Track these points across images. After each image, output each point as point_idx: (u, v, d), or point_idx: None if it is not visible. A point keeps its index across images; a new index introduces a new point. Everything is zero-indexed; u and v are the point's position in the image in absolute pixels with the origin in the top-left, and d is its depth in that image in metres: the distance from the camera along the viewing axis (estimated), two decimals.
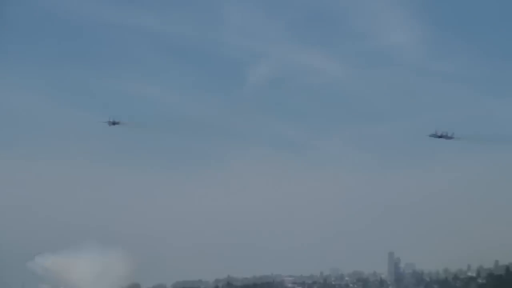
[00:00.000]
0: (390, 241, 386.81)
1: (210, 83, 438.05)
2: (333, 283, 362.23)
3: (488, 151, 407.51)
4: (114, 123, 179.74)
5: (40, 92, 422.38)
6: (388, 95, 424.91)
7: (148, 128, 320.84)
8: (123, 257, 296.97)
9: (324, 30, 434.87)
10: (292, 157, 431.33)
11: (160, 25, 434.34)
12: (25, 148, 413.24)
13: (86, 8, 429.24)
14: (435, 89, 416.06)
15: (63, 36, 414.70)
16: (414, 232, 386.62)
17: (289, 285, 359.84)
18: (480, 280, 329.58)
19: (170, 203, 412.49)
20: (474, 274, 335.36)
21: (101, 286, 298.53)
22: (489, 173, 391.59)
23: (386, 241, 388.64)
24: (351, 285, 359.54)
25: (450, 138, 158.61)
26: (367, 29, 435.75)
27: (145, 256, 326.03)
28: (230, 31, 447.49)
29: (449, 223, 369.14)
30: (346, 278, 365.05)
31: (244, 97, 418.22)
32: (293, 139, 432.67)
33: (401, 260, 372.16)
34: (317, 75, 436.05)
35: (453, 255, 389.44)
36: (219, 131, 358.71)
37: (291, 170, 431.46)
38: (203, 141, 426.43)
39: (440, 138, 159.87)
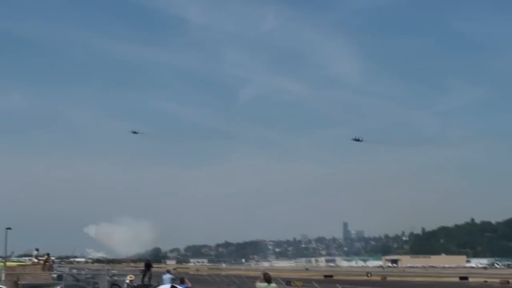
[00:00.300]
0: (345, 214, 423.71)
1: (213, 101, 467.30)
2: (303, 245, 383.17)
3: (395, 150, 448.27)
4: (134, 132, 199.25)
5: (97, 108, 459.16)
6: (337, 108, 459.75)
7: (161, 135, 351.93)
8: (149, 228, 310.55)
9: (293, 63, 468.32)
10: (272, 153, 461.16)
11: (180, 61, 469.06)
12: (83, 149, 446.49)
13: (129, 50, 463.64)
14: (370, 104, 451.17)
15: (115, 69, 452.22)
16: (361, 207, 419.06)
17: (270, 246, 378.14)
18: (404, 239, 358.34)
19: (183, 188, 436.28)
20: (406, 237, 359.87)
21: (132, 249, 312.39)
22: (408, 165, 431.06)
23: (341, 214, 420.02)
24: (315, 246, 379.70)
25: (361, 141, 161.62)
26: (322, 62, 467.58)
27: (164, 227, 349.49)
28: (227, 65, 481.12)
29: (388, 200, 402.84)
30: (312, 242, 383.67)
31: (237, 111, 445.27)
32: (272, 140, 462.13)
33: (353, 228, 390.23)
34: (287, 94, 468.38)
35: (391, 224, 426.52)
36: (220, 135, 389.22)
37: (272, 162, 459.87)
38: (208, 142, 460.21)
39: (357, 141, 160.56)
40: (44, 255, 53.10)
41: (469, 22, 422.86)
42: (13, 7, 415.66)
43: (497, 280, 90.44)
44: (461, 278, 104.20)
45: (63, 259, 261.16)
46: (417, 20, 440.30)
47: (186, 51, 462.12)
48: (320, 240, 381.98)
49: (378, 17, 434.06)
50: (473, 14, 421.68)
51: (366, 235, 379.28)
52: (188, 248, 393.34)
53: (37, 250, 58.45)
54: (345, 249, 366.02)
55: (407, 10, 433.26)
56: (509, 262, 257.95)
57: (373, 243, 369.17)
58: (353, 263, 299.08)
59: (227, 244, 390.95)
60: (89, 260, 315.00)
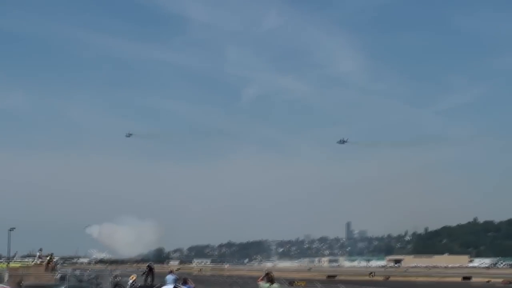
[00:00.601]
0: (347, 214, 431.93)
1: (216, 100, 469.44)
2: (305, 245, 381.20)
3: (397, 149, 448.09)
4: (129, 135, 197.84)
5: (98, 107, 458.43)
6: (340, 107, 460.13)
7: (164, 135, 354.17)
8: (152, 228, 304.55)
9: (295, 61, 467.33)
10: (274, 151, 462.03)
11: (182, 60, 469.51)
12: (85, 148, 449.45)
13: (130, 48, 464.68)
14: (373, 103, 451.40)
15: (116, 68, 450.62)
16: (365, 207, 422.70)
17: (273, 246, 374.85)
18: (407, 238, 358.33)
19: (185, 188, 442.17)
20: (409, 237, 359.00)
21: (135, 249, 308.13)
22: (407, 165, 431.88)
23: (344, 214, 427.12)
24: (318, 246, 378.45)
25: (346, 142, 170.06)
26: (325, 61, 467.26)
27: (167, 227, 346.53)
28: (230, 64, 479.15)
29: (391, 200, 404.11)
30: (315, 242, 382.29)
31: (240, 110, 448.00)
32: (275, 139, 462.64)
33: (356, 227, 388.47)
34: (290, 93, 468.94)
35: (394, 224, 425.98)
36: (222, 134, 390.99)
37: (275, 162, 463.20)
38: (211, 141, 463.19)
39: (343, 143, 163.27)
40: (47, 255, 53.15)
41: (471, 19, 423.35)
42: (12, 5, 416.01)
43: (500, 280, 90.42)
44: (464, 278, 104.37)
45: (66, 259, 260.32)
46: (419, 18, 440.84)
47: (187, 49, 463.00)
48: (323, 240, 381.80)
49: (381, 15, 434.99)
50: (476, 11, 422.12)
51: (369, 235, 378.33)
52: (191, 248, 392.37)
53: (40, 250, 58.50)
54: (348, 249, 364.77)
55: (410, 8, 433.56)
56: None
57: (376, 243, 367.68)
58: (356, 263, 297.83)
59: (230, 244, 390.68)
60: (92, 261, 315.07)
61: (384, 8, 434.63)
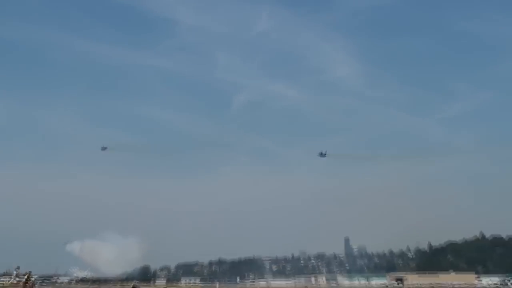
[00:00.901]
0: (346, 228, 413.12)
1: (204, 107, 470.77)
2: (301, 262, 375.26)
3: (398, 160, 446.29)
4: (104, 148, 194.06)
5: (80, 116, 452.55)
6: (336, 115, 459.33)
7: (149, 145, 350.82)
8: (137, 244, 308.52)
9: (287, 67, 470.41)
10: (266, 162, 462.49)
11: (171, 66, 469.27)
12: (65, 160, 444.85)
13: (115, 53, 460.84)
14: (370, 111, 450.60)
15: (99, 74, 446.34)
16: (364, 221, 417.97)
17: (267, 264, 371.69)
18: (410, 255, 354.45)
19: (173, 201, 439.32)
20: (412, 254, 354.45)
21: (119, 267, 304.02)
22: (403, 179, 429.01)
23: (343, 228, 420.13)
24: (315, 263, 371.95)
25: (325, 155, 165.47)
26: (319, 66, 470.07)
27: (153, 243, 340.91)
28: (220, 70, 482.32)
29: (392, 214, 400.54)
30: (312, 258, 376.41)
31: (230, 117, 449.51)
32: (268, 149, 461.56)
33: (355, 243, 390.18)
34: (282, 100, 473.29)
35: (396, 239, 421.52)
36: (212, 144, 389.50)
37: (267, 173, 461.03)
38: (199, 153, 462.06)
39: (323, 156, 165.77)
40: (25, 274, 45.56)
41: (473, 21, 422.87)
42: None
43: None
44: None
45: (45, 278, 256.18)
46: (418, 20, 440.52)
47: (175, 54, 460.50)
48: (320, 256, 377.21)
49: (377, 18, 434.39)
50: (478, 13, 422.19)
51: (369, 251, 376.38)
52: (179, 266, 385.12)
53: (17, 269, 50.88)
54: (347, 266, 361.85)
55: (407, 10, 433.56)
56: None
57: (376, 260, 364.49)
58: (355, 282, 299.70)
59: (220, 262, 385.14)
60: (73, 280, 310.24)
61: (380, 10, 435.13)
